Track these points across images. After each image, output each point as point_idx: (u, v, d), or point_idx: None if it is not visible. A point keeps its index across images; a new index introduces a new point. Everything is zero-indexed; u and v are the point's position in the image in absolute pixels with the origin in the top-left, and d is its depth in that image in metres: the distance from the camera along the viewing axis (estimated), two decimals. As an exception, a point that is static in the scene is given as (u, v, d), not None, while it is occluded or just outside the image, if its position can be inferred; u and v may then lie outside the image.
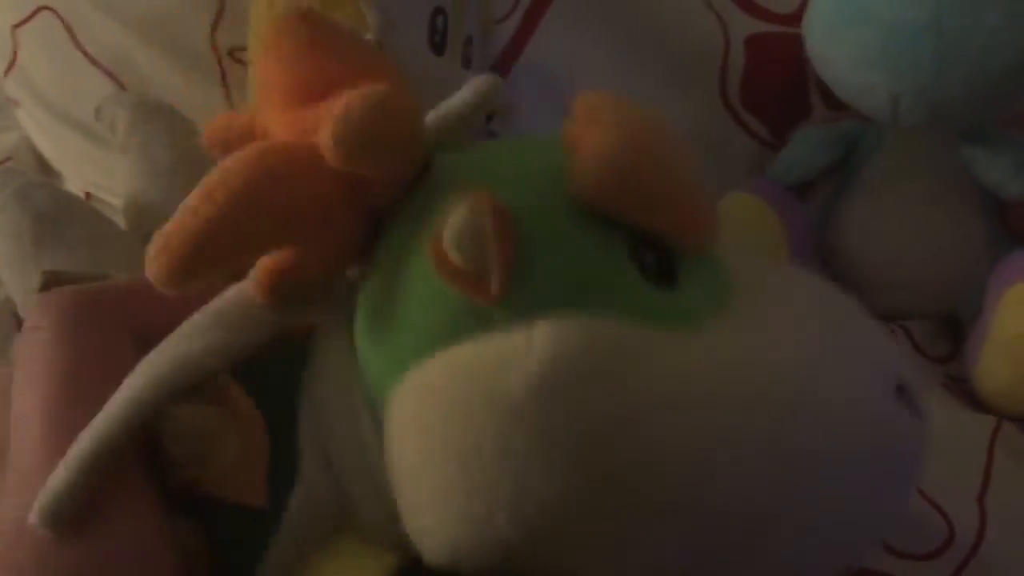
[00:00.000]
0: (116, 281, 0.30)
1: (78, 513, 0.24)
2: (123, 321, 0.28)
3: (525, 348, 0.23)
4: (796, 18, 0.62)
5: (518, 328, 0.23)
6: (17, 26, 0.61)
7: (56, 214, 0.41)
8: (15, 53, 0.62)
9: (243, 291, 0.27)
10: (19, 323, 0.50)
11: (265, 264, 0.26)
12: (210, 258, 0.24)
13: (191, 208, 0.24)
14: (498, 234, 0.23)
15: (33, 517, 0.24)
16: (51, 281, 0.33)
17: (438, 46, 0.49)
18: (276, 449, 0.27)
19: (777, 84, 0.63)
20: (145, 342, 0.27)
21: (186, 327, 0.27)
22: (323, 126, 0.24)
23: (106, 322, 0.28)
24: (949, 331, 0.55)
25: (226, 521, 0.27)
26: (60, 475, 0.24)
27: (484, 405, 0.23)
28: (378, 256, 0.26)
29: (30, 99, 0.63)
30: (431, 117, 0.29)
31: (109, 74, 0.60)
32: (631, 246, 0.25)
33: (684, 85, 0.63)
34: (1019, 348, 0.46)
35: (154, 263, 0.23)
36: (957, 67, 0.46)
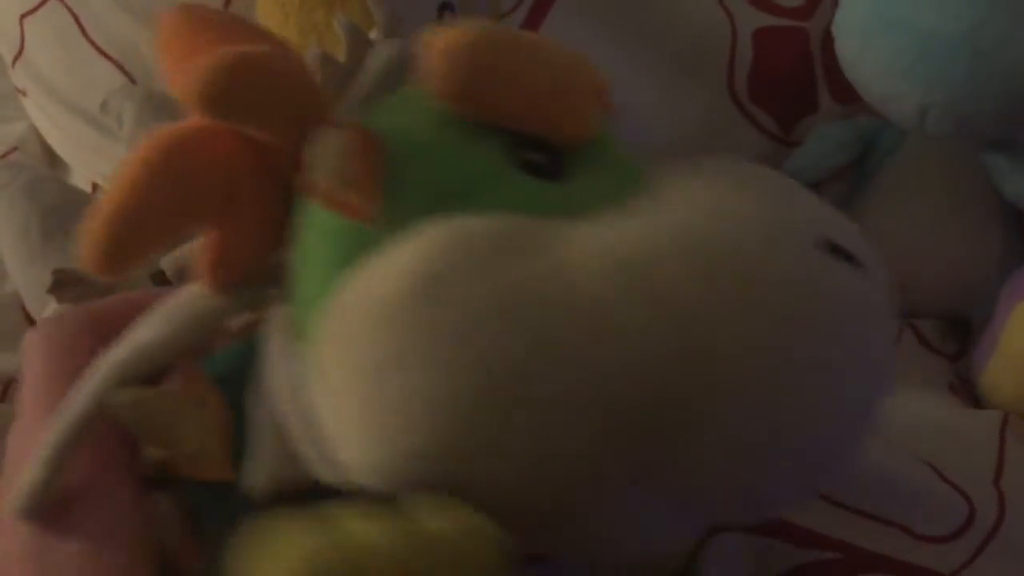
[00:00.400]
0: (107, 302, 0.31)
1: (51, 506, 0.25)
2: (106, 333, 0.29)
3: (400, 254, 0.23)
4: (804, 12, 0.61)
5: (398, 240, 0.23)
6: (25, 16, 0.61)
7: (64, 208, 0.42)
8: (22, 43, 0.62)
9: (194, 284, 0.28)
10: (27, 316, 0.50)
11: (199, 250, 0.27)
12: (127, 240, 0.24)
13: (106, 196, 0.25)
14: (360, 149, 0.24)
15: (10, 513, 0.26)
16: (61, 280, 0.33)
17: (445, 42, 0.49)
18: (241, 427, 0.26)
19: (785, 78, 0.62)
20: None
21: (139, 321, 0.27)
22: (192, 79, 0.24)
23: (87, 333, 0.29)
24: (958, 330, 0.55)
25: (203, 499, 0.27)
26: (30, 471, 0.25)
27: (372, 320, 0.22)
28: (298, 214, 0.27)
29: (37, 89, 0.63)
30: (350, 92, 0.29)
31: (117, 65, 0.60)
32: (509, 146, 0.25)
33: (691, 78, 0.63)
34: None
35: (84, 249, 0.24)
36: (990, 81, 0.45)
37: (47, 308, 0.37)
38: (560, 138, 0.25)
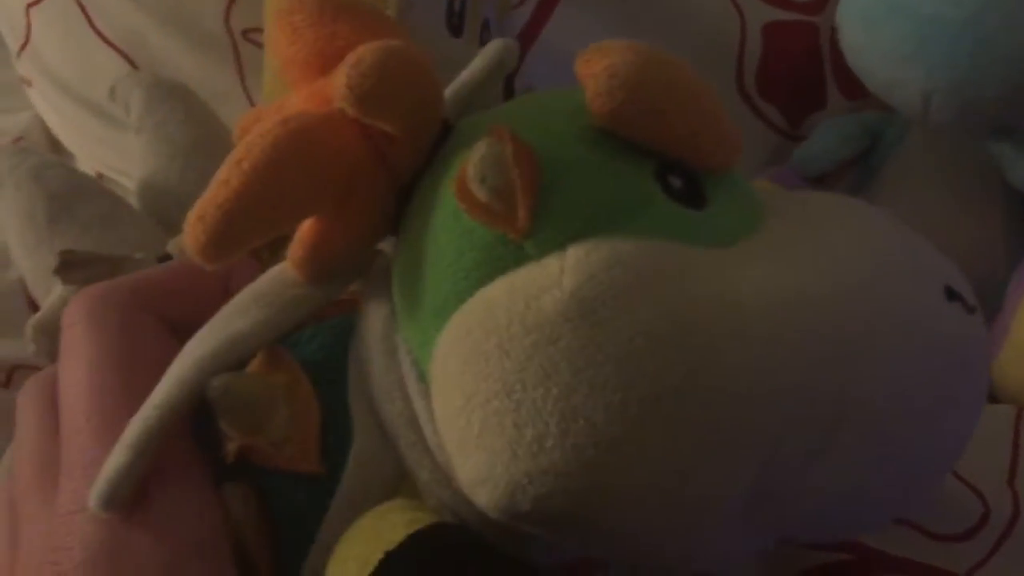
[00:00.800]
0: (148, 271, 0.30)
1: (133, 495, 0.25)
2: (157, 310, 0.29)
3: (557, 272, 0.23)
4: (813, 7, 0.61)
5: (550, 258, 0.23)
6: (31, 5, 0.61)
7: (70, 194, 0.41)
8: (28, 32, 0.62)
9: (283, 269, 0.28)
10: (31, 304, 0.50)
11: (299, 239, 0.27)
12: (243, 227, 0.24)
13: (222, 180, 0.24)
14: (520, 162, 0.23)
15: (91, 502, 0.24)
16: (68, 261, 0.33)
17: (456, 28, 0.49)
18: (330, 418, 0.27)
19: (794, 73, 0.62)
20: (180, 332, 0.28)
21: (228, 308, 0.27)
22: (337, 78, 0.24)
23: (141, 311, 0.28)
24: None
25: (282, 491, 0.27)
26: (115, 459, 0.25)
27: (521, 334, 0.22)
28: (407, 221, 0.26)
29: (43, 78, 0.63)
30: (449, 88, 0.29)
31: (122, 54, 0.59)
32: (656, 169, 0.25)
33: (700, 72, 0.63)
34: None
35: (191, 236, 0.24)
36: (994, 66, 0.45)
37: (52, 292, 0.36)
38: (709, 166, 0.25)
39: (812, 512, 0.25)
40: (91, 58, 0.60)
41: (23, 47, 0.63)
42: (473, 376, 0.23)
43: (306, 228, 0.27)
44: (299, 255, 0.27)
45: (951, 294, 0.25)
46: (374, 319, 0.27)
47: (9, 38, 0.64)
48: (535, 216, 0.23)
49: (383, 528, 0.24)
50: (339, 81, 0.24)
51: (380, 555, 0.23)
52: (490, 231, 0.24)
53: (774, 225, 0.25)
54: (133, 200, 0.45)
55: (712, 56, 0.62)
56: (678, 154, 0.24)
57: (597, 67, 0.23)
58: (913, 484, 0.26)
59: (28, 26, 0.62)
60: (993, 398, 0.48)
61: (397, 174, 0.26)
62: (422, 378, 0.25)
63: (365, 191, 0.26)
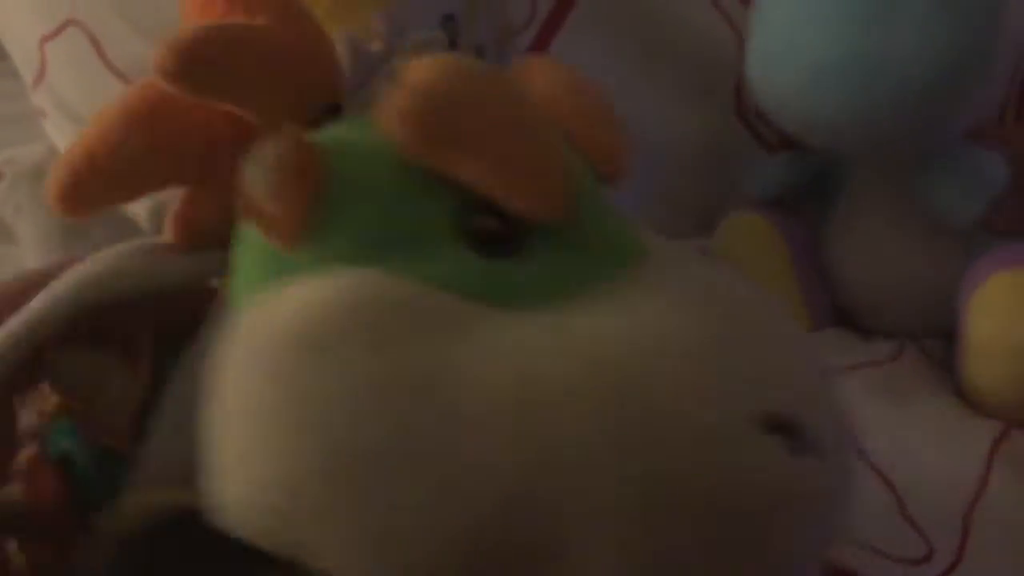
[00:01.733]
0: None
1: None
2: None
3: (303, 296, 0.21)
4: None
5: (311, 277, 0.21)
6: (46, 40, 0.63)
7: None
8: (44, 66, 0.63)
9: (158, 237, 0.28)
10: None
11: (174, 206, 0.27)
12: (95, 183, 0.25)
13: (80, 136, 0.25)
14: (298, 164, 0.21)
15: None
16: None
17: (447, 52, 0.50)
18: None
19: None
20: None
21: (125, 245, 0.27)
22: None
23: None
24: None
25: (96, 461, 0.26)
26: None
27: (249, 360, 0.21)
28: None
29: (57, 111, 0.64)
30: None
31: (134, 86, 0.61)
32: (460, 207, 0.22)
33: (699, 96, 0.64)
34: (991, 351, 0.46)
35: (50, 189, 0.25)
36: (884, 94, 0.46)
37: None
38: (517, 210, 0.22)
39: None
40: (103, 90, 0.61)
41: (38, 80, 0.64)
42: (219, 394, 0.21)
43: (180, 194, 0.27)
44: (171, 218, 0.27)
45: (773, 425, 0.20)
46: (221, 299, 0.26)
47: (24, 71, 0.66)
48: (307, 228, 0.22)
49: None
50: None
51: None
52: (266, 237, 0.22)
53: (601, 294, 0.22)
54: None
55: (711, 80, 0.63)
56: (480, 191, 0.22)
57: (397, 86, 0.22)
58: None
59: (43, 60, 0.63)
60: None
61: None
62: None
63: (227, 165, 0.23)
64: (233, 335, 0.21)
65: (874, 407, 0.47)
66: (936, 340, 0.54)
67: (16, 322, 0.25)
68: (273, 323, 0.21)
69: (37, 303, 0.25)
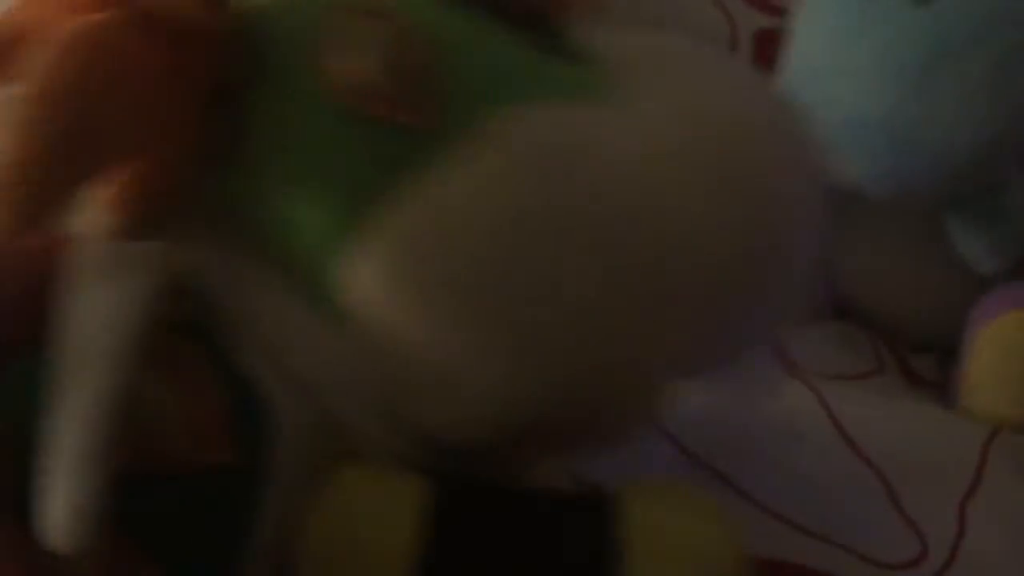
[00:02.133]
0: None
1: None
2: None
3: (491, 152, 0.22)
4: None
5: (467, 139, 0.21)
6: None
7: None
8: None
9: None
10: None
11: (113, 188, 0.22)
12: (43, 193, 0.20)
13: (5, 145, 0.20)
14: (417, 51, 0.21)
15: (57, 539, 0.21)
16: None
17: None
18: (235, 404, 0.23)
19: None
20: None
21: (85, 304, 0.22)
22: None
23: None
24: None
25: (194, 495, 0.23)
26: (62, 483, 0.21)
27: (482, 227, 0.21)
28: (244, 145, 0.23)
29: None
30: None
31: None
32: (525, 33, 0.24)
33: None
34: (994, 386, 0.46)
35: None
36: (912, 161, 0.45)
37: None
38: (557, 18, 0.25)
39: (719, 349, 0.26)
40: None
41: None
42: (420, 289, 0.20)
43: (117, 175, 0.22)
44: (114, 202, 0.22)
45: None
46: (238, 273, 0.23)
47: None
48: (440, 99, 0.21)
49: (370, 544, 0.22)
50: None
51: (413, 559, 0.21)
52: (391, 129, 0.21)
53: (627, 77, 0.25)
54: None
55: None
56: (531, 13, 0.24)
57: None
58: (780, 301, 0.28)
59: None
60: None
61: (200, 87, 0.22)
62: (330, 312, 0.22)
63: (167, 111, 0.21)
64: (402, 228, 0.21)
65: (864, 405, 0.47)
66: (923, 358, 0.53)
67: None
68: (480, 193, 0.21)
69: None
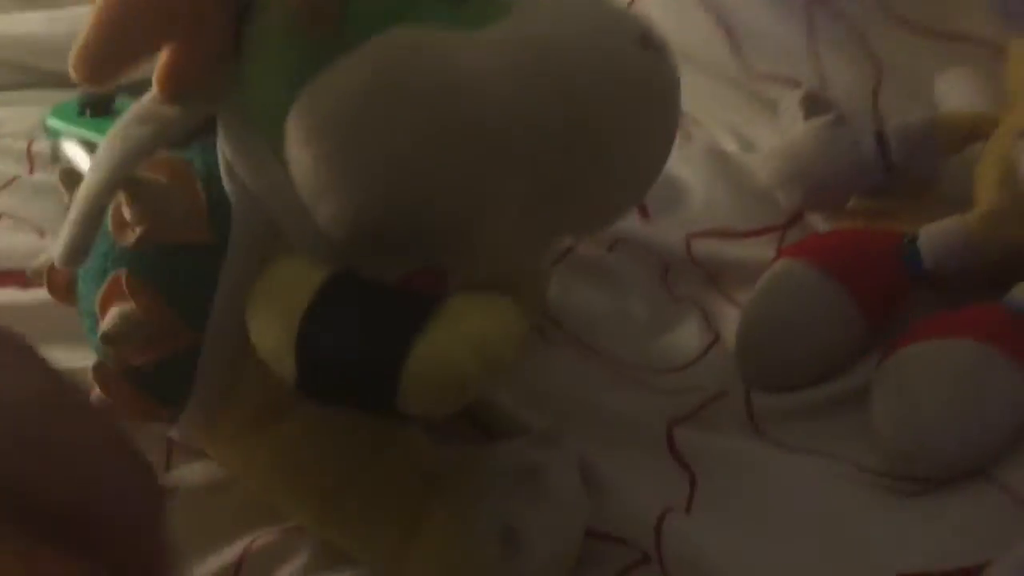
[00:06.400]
0: None
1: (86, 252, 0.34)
2: None
3: (367, 58, 0.33)
4: None
5: (354, 48, 0.33)
6: None
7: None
8: None
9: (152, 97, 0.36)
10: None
11: (159, 64, 0.35)
12: (108, 55, 0.34)
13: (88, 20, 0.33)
14: None
15: (57, 262, 0.35)
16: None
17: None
18: (212, 202, 0.36)
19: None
20: None
21: (119, 128, 0.36)
22: None
23: None
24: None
25: (180, 264, 0.36)
26: (68, 230, 0.34)
27: (344, 109, 0.32)
28: (248, 39, 0.35)
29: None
30: None
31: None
32: None
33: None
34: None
35: (73, 64, 0.33)
36: None
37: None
38: None
39: (577, 209, 0.36)
40: None
41: None
42: (317, 142, 0.33)
43: (164, 54, 0.34)
44: (158, 80, 0.35)
45: (646, 43, 0.35)
46: (230, 126, 0.36)
47: None
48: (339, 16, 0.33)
49: (289, 285, 0.34)
50: None
51: (298, 317, 0.32)
52: (304, 38, 0.33)
53: (516, 12, 0.35)
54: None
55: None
56: None
57: None
58: (633, 187, 0.38)
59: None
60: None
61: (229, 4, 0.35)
62: (277, 156, 0.34)
63: (211, 12, 0.34)
64: (311, 104, 0.33)
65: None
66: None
67: (93, 180, 0.35)
68: (354, 78, 0.33)
69: (102, 167, 0.35)
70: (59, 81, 0.70)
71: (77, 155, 0.60)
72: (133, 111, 0.37)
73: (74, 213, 0.34)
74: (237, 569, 0.39)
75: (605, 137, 0.35)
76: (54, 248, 0.35)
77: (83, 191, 0.35)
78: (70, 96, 0.64)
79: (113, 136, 0.36)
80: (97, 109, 0.63)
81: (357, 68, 0.33)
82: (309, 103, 0.33)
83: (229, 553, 0.39)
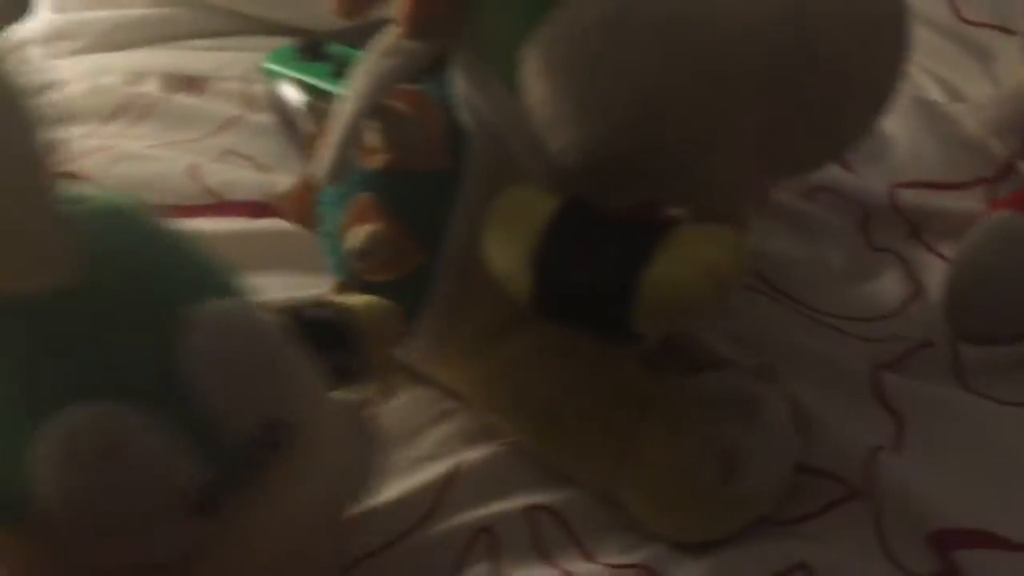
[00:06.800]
0: None
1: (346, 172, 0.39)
2: None
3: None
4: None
5: None
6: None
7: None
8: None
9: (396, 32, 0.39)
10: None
11: (403, 4, 0.37)
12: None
13: None
14: None
15: (322, 179, 0.38)
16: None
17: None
18: (450, 132, 0.38)
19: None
20: None
21: (368, 62, 0.40)
22: None
23: None
24: None
25: (418, 189, 0.39)
26: (329, 152, 0.38)
27: (581, 39, 0.34)
28: None
29: None
30: None
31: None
32: None
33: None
34: None
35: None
36: None
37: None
38: None
39: (804, 146, 0.37)
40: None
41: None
42: (556, 74, 0.34)
43: None
44: (405, 14, 0.37)
45: None
46: (467, 59, 0.38)
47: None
48: None
49: (525, 210, 0.36)
50: None
51: (536, 239, 0.34)
52: None
53: None
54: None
55: None
56: None
57: None
58: (862, 121, 0.38)
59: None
60: None
61: None
62: (511, 88, 0.36)
63: None
64: (552, 38, 0.35)
65: None
66: None
67: (352, 105, 0.39)
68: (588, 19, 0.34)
69: (357, 93, 0.39)
70: (269, 28, 0.75)
71: (293, 96, 0.64)
72: (379, 47, 0.40)
73: (333, 137, 0.38)
74: (450, 480, 0.41)
75: (838, 66, 0.35)
76: (317, 168, 0.39)
77: (340, 118, 0.38)
78: (280, 42, 0.68)
79: (363, 69, 0.39)
80: (310, 54, 0.66)
81: (595, 1, 0.34)
82: (548, 36, 0.34)
83: (441, 466, 0.42)
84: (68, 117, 0.66)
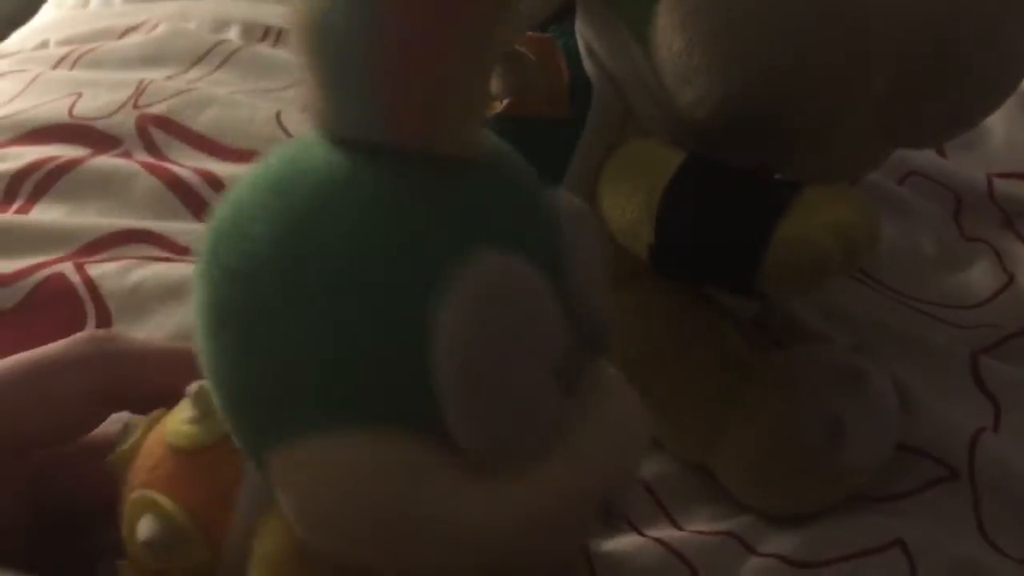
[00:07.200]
0: None
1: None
2: None
3: None
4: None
5: None
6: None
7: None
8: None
9: None
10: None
11: None
12: None
13: None
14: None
15: None
16: None
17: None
18: (574, 81, 0.38)
19: None
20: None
21: None
22: None
23: None
24: None
25: (541, 136, 0.37)
26: None
27: None
28: None
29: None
30: None
31: None
32: None
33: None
34: None
35: None
36: None
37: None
38: None
39: (928, 116, 0.35)
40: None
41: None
42: (693, 25, 0.33)
43: None
44: None
45: None
46: (592, 9, 0.37)
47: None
48: None
49: (648, 162, 0.35)
50: None
51: (660, 192, 0.34)
52: None
53: None
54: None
55: None
56: None
57: None
58: (992, 95, 0.37)
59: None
60: None
61: None
62: (640, 40, 0.35)
63: None
64: None
65: None
66: None
67: None
68: None
69: None
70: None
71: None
72: None
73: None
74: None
75: (990, 36, 0.34)
76: None
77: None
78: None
79: None
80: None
81: None
82: None
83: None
84: (153, 59, 0.66)
